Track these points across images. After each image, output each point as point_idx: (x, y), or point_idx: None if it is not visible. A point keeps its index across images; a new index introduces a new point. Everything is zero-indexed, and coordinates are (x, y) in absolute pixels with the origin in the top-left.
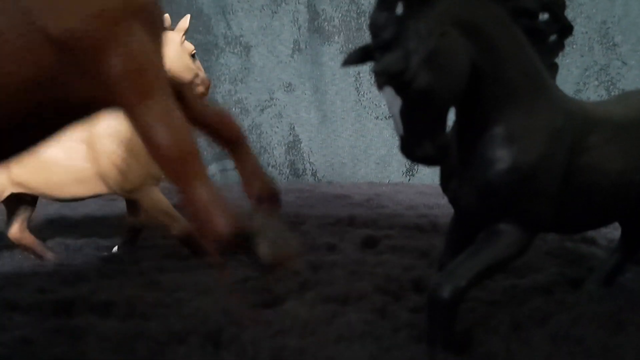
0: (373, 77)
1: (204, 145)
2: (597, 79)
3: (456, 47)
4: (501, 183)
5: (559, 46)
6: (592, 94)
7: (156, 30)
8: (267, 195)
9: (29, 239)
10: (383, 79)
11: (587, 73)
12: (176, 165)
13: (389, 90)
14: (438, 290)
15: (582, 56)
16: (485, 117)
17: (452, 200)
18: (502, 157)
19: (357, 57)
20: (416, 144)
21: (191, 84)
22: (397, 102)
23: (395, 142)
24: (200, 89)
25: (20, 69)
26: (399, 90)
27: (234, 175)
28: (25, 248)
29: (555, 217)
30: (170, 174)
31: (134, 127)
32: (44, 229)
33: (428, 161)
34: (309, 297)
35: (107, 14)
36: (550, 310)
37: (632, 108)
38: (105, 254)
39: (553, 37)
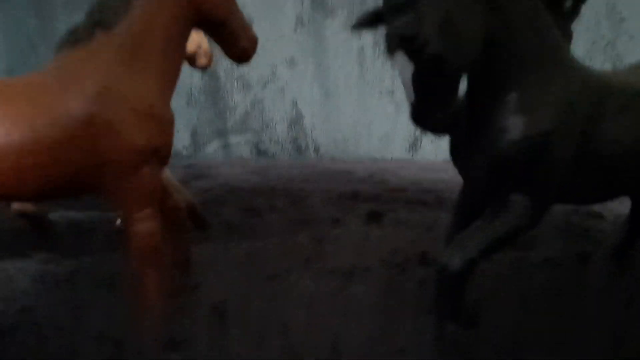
0: (384, 41)
1: (206, 121)
2: (604, 53)
3: (470, 12)
4: (513, 153)
5: (575, 13)
6: (599, 68)
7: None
8: None
9: (31, 209)
10: (395, 44)
11: (593, 47)
12: (143, 248)
13: (400, 56)
14: (448, 262)
15: (589, 30)
16: (498, 86)
17: (462, 172)
18: (515, 126)
19: (367, 21)
20: (427, 111)
21: (194, 55)
22: (409, 68)
23: (399, 118)
24: (203, 61)
25: None
26: (411, 56)
27: (236, 151)
28: (27, 220)
29: (567, 187)
30: (135, 252)
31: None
32: (47, 202)
33: (438, 129)
34: (314, 270)
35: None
36: (559, 284)
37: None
38: (108, 227)
39: (569, 3)
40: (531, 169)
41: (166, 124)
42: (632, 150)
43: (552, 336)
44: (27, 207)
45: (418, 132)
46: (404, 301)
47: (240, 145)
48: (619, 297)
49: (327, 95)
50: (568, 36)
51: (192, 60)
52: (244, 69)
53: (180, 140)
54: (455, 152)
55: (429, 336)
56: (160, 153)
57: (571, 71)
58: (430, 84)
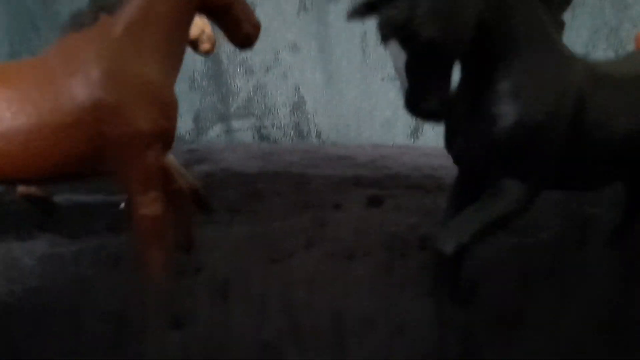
0: (378, 31)
1: (209, 105)
2: (606, 41)
3: None
4: (507, 139)
5: (566, 2)
6: (601, 56)
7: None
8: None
9: (36, 192)
10: (388, 31)
11: (596, 35)
12: (148, 231)
13: (394, 44)
14: (442, 245)
15: (592, 17)
16: (492, 72)
17: (456, 158)
18: (508, 112)
19: (361, 10)
20: (421, 98)
21: (197, 40)
22: (402, 55)
23: (401, 103)
24: (206, 46)
25: None
26: (404, 42)
27: (238, 136)
28: (32, 202)
29: (559, 173)
30: (140, 235)
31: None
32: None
33: (432, 116)
34: (315, 252)
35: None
36: (558, 269)
37: (637, 65)
38: (113, 209)
39: None
40: (524, 155)
41: (170, 108)
42: (621, 136)
43: (550, 319)
44: (33, 190)
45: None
46: (404, 283)
47: (243, 130)
48: (617, 282)
49: (330, 81)
50: (559, 25)
51: (195, 45)
52: (247, 53)
53: (183, 125)
54: (450, 139)
55: (428, 316)
56: (164, 137)
57: (563, 59)
58: (423, 71)
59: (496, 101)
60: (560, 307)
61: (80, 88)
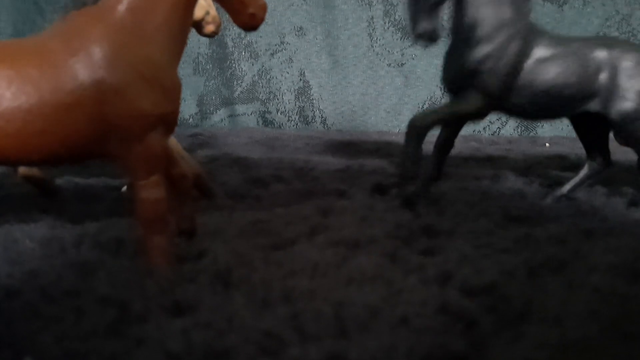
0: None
1: (213, 89)
2: (617, 29)
3: None
4: (472, 61)
5: None
6: None
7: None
8: None
9: (37, 174)
10: None
11: (607, 23)
12: (149, 215)
13: None
14: (414, 121)
15: (604, 5)
16: (468, 17)
17: (447, 84)
18: (476, 45)
19: None
20: (417, 23)
21: (201, 21)
22: None
23: (407, 90)
24: (211, 27)
25: None
26: None
27: (242, 121)
28: (33, 184)
29: (505, 97)
30: (141, 219)
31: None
32: (54, 168)
33: (426, 37)
34: (319, 240)
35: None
36: (565, 259)
37: (583, 41)
38: (115, 193)
39: None
40: (483, 73)
41: (173, 90)
42: (550, 88)
43: (558, 310)
44: (34, 172)
45: (427, 105)
46: (408, 272)
47: (247, 115)
48: (627, 273)
49: (336, 66)
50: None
51: (199, 27)
52: (252, 37)
53: (187, 109)
54: (445, 69)
55: (432, 306)
56: (167, 120)
57: (522, 14)
58: (419, 7)
59: (469, 36)
60: (568, 299)
61: (82, 68)
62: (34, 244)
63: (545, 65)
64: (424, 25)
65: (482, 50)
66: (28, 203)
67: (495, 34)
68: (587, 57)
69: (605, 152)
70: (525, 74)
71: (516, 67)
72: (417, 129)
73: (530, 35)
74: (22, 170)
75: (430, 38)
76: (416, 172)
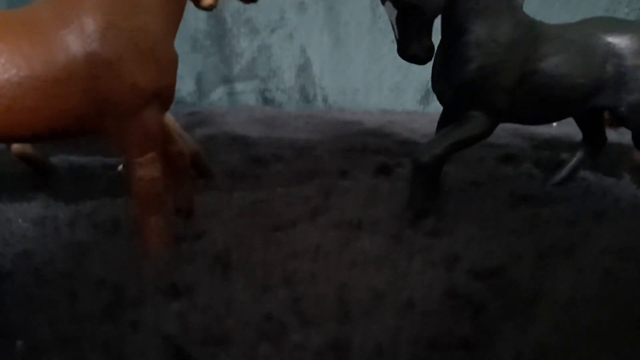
0: None
1: (211, 67)
2: (627, 5)
3: None
4: (470, 79)
5: None
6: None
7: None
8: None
9: (31, 152)
10: None
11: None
12: (145, 194)
13: (388, 3)
14: (419, 156)
15: None
16: (460, 28)
17: (439, 96)
18: (471, 59)
19: None
20: (407, 45)
21: None
22: (394, 12)
23: (411, 68)
24: (209, 1)
25: None
26: (395, 4)
27: (241, 99)
28: (27, 162)
29: (513, 109)
30: (137, 198)
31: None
32: (47, 145)
33: (416, 60)
34: (320, 222)
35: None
36: (575, 241)
37: (582, 29)
38: (110, 172)
39: None
40: (483, 91)
41: (169, 65)
42: (562, 82)
43: (567, 293)
44: (27, 149)
45: (430, 84)
46: (413, 254)
47: (246, 93)
48: (635, 255)
49: (338, 43)
50: None
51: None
52: (252, 12)
53: (184, 86)
54: (435, 81)
55: (439, 290)
56: (163, 95)
57: (517, 20)
58: (408, 25)
59: (463, 50)
60: (578, 282)
61: (74, 41)
62: (28, 223)
63: (550, 66)
64: (415, 47)
65: (479, 66)
66: (21, 182)
67: (493, 46)
68: (591, 48)
69: (601, 133)
70: (534, 78)
71: (523, 75)
72: (425, 167)
73: (530, 35)
74: (16, 147)
75: (423, 58)
76: (429, 207)
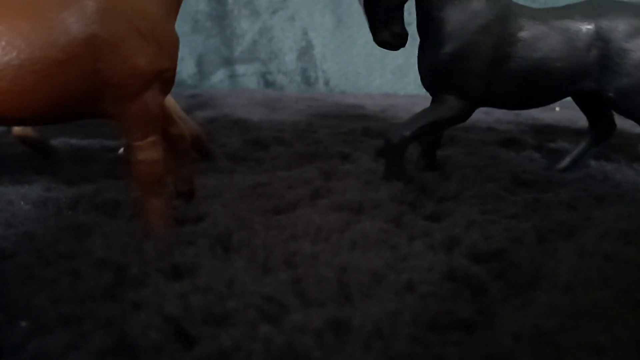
0: None
1: (212, 49)
2: None
3: None
4: (441, 63)
5: None
6: None
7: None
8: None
9: (32, 134)
10: None
11: None
12: (147, 177)
13: None
14: (390, 137)
15: None
16: (431, 13)
17: (421, 79)
18: (442, 44)
19: None
20: (376, 31)
21: None
22: (361, 0)
23: (414, 51)
24: None
25: None
26: None
27: (242, 81)
28: (28, 145)
29: (490, 93)
30: (138, 180)
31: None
32: (48, 128)
33: (387, 45)
34: (321, 204)
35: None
36: (576, 225)
37: (567, 13)
38: (111, 154)
39: None
40: (455, 75)
41: (170, 46)
42: (539, 65)
43: (567, 276)
44: (28, 132)
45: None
46: (414, 237)
47: (247, 75)
48: (635, 239)
49: (340, 25)
50: None
51: None
52: None
53: (185, 68)
54: (418, 67)
55: (439, 272)
56: (164, 77)
57: (491, 5)
58: (375, 12)
59: (436, 36)
60: (578, 265)
61: (74, 22)
62: (29, 205)
63: (530, 50)
64: (384, 34)
65: (450, 50)
66: (22, 164)
67: (463, 30)
68: (574, 33)
69: (608, 119)
70: (510, 63)
71: (497, 59)
72: (394, 147)
73: (508, 19)
74: (16, 130)
75: (393, 45)
76: (401, 177)
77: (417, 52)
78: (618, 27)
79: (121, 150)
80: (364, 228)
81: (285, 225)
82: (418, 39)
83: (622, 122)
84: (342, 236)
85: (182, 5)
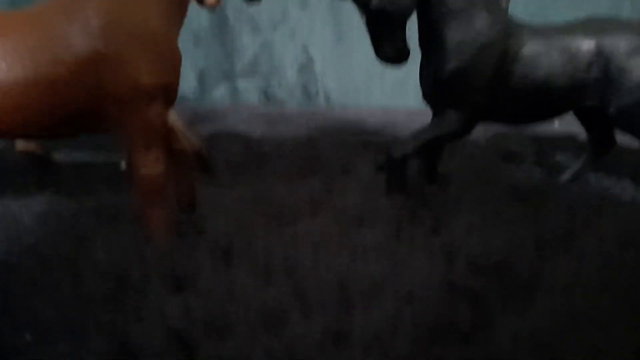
0: None
1: (213, 63)
2: (631, 4)
3: None
4: (443, 79)
5: None
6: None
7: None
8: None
9: (35, 148)
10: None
11: None
12: (149, 191)
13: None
14: (392, 152)
15: None
16: (434, 30)
17: (422, 94)
18: (444, 61)
19: None
20: (379, 47)
21: None
22: (364, 16)
23: (413, 65)
24: (212, 0)
25: None
26: (362, 9)
27: (243, 96)
28: (31, 158)
29: (492, 109)
30: (140, 194)
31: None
32: (51, 141)
33: (390, 61)
34: (322, 215)
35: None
36: (575, 229)
37: (569, 30)
38: (113, 168)
39: None
40: (457, 91)
41: (173, 61)
42: (539, 85)
43: (565, 282)
44: (31, 146)
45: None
46: (413, 248)
47: (248, 90)
48: (634, 244)
49: (340, 40)
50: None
51: None
52: (254, 10)
53: (187, 83)
54: (420, 81)
55: (438, 281)
56: (167, 92)
57: (494, 22)
58: (378, 28)
59: (438, 53)
60: (577, 270)
61: (79, 39)
62: (32, 218)
63: (532, 67)
64: (387, 50)
65: (452, 66)
66: (26, 178)
67: (466, 46)
68: (576, 50)
69: (608, 134)
70: (511, 79)
71: (499, 76)
72: (395, 161)
73: (510, 36)
74: (20, 144)
75: (396, 60)
76: (402, 188)
77: (416, 66)
78: (619, 45)
79: (123, 164)
80: (364, 237)
81: (286, 235)
82: (416, 50)
83: (622, 137)
84: (342, 245)
85: (185, 18)
